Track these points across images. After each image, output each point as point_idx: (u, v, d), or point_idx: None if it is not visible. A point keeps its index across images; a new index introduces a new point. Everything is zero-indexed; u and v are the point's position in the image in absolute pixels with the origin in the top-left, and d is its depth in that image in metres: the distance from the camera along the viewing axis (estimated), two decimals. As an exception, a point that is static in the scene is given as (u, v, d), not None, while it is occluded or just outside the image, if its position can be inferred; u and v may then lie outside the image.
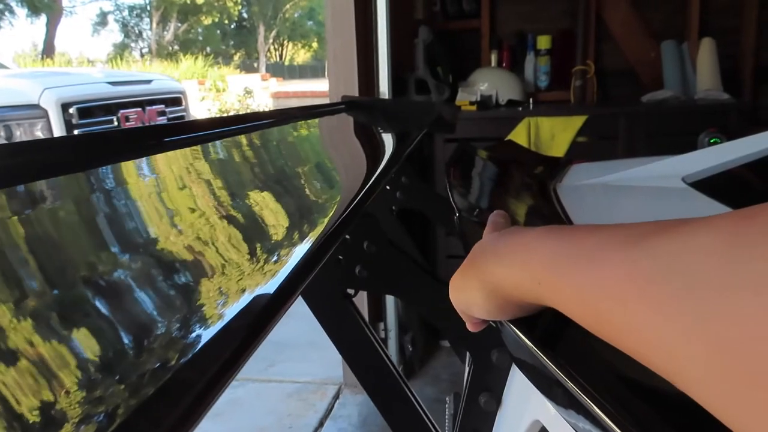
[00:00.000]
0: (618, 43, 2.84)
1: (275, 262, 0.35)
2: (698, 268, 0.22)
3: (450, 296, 0.45)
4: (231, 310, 0.28)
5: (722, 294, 0.20)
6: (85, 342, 0.23)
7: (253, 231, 0.41)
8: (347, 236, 0.73)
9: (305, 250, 0.36)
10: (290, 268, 0.34)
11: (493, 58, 2.90)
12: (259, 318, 0.27)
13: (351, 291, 0.77)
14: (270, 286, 0.31)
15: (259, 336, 0.27)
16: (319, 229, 0.43)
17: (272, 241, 0.40)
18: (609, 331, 0.27)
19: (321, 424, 2.21)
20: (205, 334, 0.25)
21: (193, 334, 0.25)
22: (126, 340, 0.24)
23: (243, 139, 0.66)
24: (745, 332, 0.19)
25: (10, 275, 0.24)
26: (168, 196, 0.40)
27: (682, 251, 0.23)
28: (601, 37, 2.85)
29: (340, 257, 0.74)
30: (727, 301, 0.20)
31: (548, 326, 0.40)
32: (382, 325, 2.39)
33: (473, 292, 0.41)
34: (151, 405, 0.20)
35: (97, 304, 0.25)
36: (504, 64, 2.91)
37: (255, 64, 25.63)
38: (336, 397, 2.37)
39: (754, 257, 0.20)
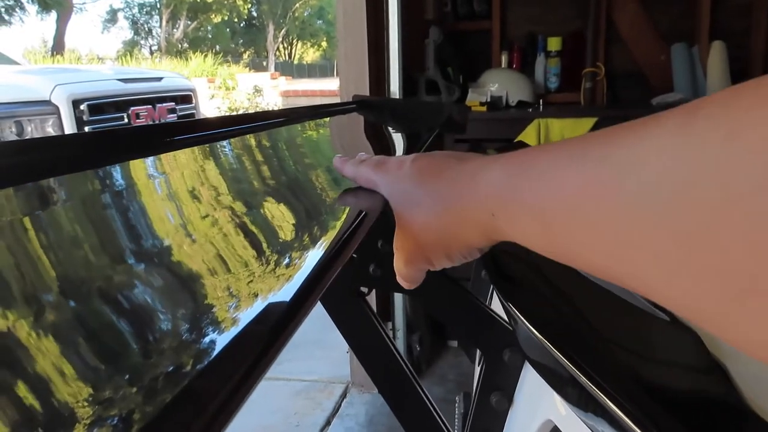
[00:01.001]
0: (628, 46, 2.83)
1: (294, 265, 0.36)
2: (652, 168, 0.21)
3: (414, 247, 0.42)
4: (247, 315, 0.28)
5: (680, 188, 0.20)
6: (105, 343, 0.23)
7: (268, 234, 0.41)
8: (361, 235, 0.73)
9: (325, 251, 0.37)
10: (309, 270, 0.34)
11: (504, 59, 2.90)
12: (283, 320, 0.28)
13: (364, 289, 0.77)
14: (290, 289, 0.31)
15: (280, 340, 0.27)
16: (334, 232, 0.43)
17: (289, 244, 0.40)
18: (566, 252, 0.27)
19: (328, 422, 2.22)
20: (223, 339, 0.25)
21: (208, 339, 0.25)
22: (152, 343, 0.24)
23: (252, 139, 0.66)
24: (709, 223, 0.19)
25: (20, 278, 0.23)
26: (180, 197, 0.40)
27: (636, 155, 0.22)
28: (611, 39, 2.84)
29: (354, 255, 0.74)
30: (686, 194, 0.20)
31: (563, 325, 0.40)
32: (389, 325, 2.39)
33: (462, 231, 0.38)
34: (179, 407, 0.20)
35: (113, 308, 0.25)
36: (514, 66, 2.91)
37: (264, 63, 25.68)
38: (343, 395, 2.38)
39: (705, 150, 0.20)
